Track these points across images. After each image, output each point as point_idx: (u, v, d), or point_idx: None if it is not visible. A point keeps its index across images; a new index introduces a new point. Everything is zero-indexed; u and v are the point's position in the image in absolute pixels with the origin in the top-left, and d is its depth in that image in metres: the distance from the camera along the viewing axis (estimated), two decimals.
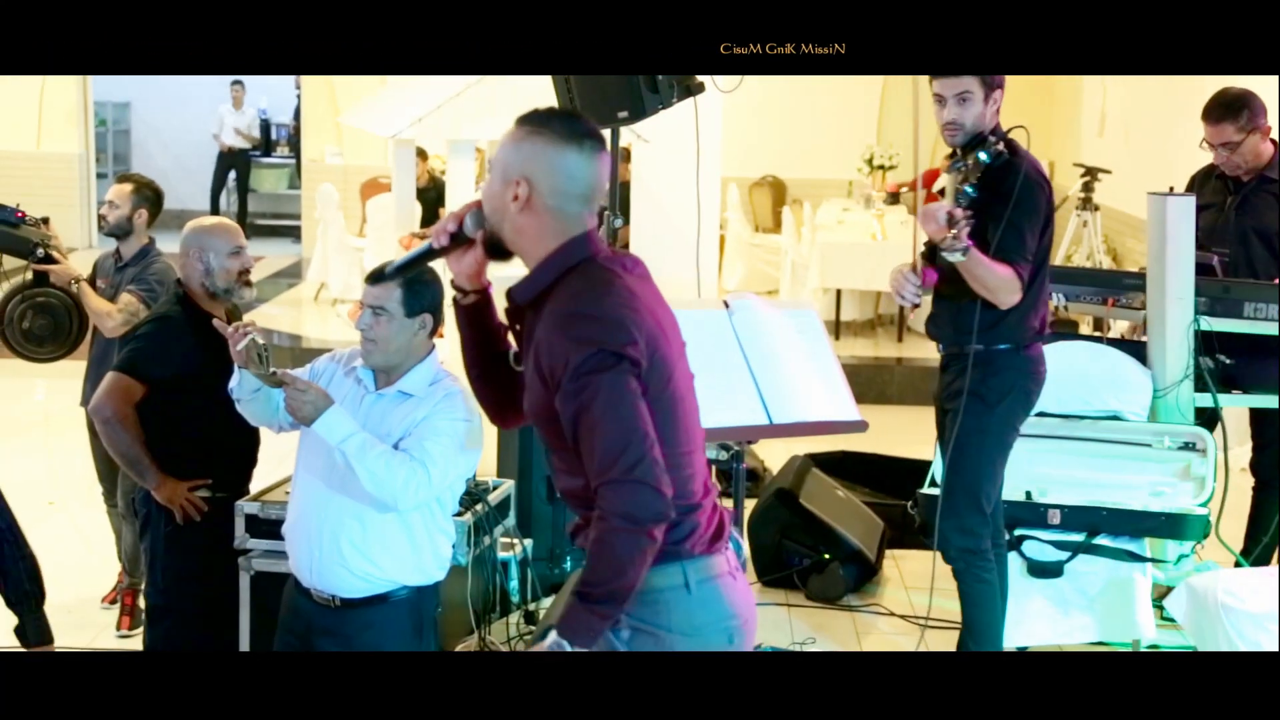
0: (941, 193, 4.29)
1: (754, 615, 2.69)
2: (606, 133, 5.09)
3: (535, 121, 2.57)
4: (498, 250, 2.60)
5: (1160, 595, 4.82)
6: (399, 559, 3.52)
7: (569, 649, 2.43)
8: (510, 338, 2.72)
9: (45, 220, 5.27)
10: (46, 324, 5.17)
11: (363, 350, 3.55)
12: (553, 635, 2.44)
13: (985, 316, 4.16)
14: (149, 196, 5.16)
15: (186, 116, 16.78)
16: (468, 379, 2.82)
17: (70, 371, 5.42)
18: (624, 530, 2.42)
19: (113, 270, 5.15)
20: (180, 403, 4.10)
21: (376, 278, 3.42)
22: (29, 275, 5.16)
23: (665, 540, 2.50)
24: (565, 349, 2.44)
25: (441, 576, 3.66)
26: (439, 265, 2.94)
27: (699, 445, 2.63)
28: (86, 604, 5.36)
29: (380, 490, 3.38)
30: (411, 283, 3.48)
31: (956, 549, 4.33)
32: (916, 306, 4.35)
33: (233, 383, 3.67)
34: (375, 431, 3.43)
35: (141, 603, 5.06)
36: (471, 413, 3.50)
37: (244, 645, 4.18)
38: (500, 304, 2.72)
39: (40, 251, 5.08)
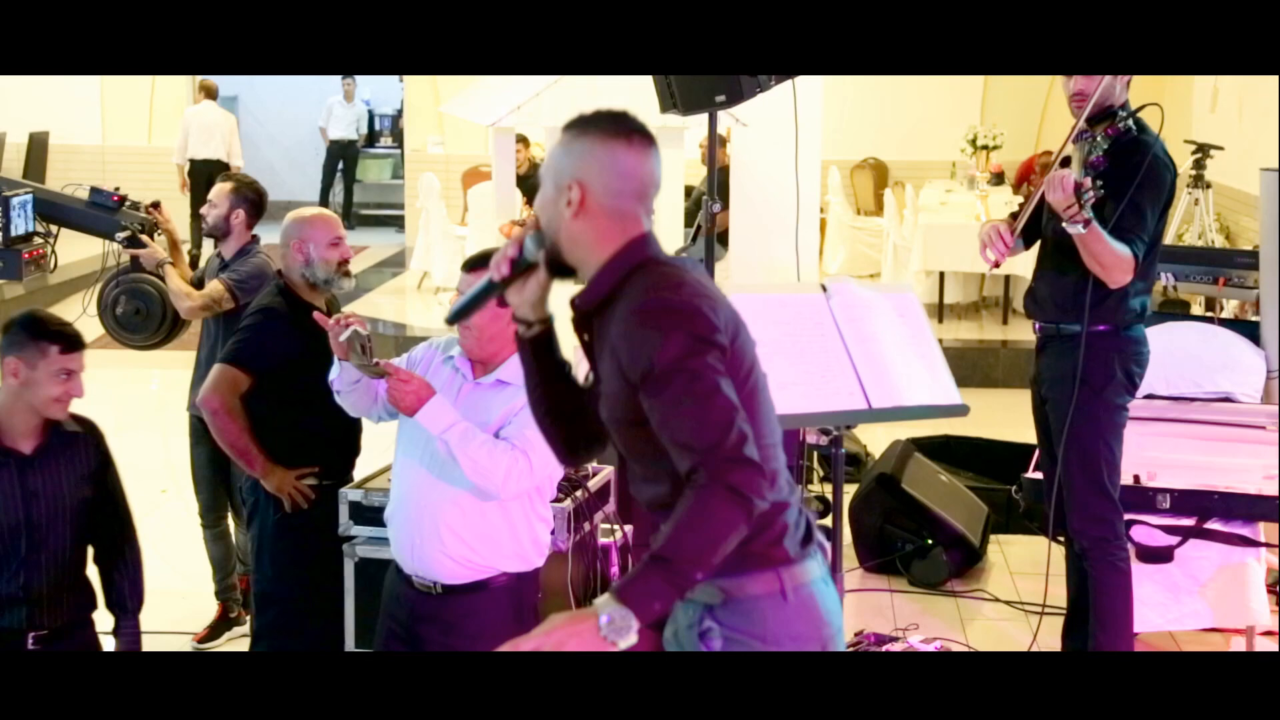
0: (1066, 163, 4.19)
1: (841, 620, 2.61)
2: (704, 117, 5.13)
3: (580, 123, 2.51)
4: (561, 267, 2.53)
5: (1275, 580, 4.72)
6: (498, 545, 3.54)
7: (618, 623, 2.25)
8: (576, 355, 2.64)
9: (156, 205, 5.28)
10: (138, 309, 5.14)
11: (461, 340, 3.57)
12: (609, 606, 2.26)
13: (1090, 295, 4.07)
14: (248, 196, 5.09)
15: (293, 110, 17.05)
16: (534, 418, 2.72)
17: (184, 361, 5.48)
18: (729, 501, 2.31)
19: (216, 271, 5.11)
20: (285, 392, 4.15)
21: (472, 265, 3.44)
22: (125, 259, 5.13)
23: (758, 543, 2.44)
24: (650, 340, 2.37)
25: (540, 563, 3.67)
26: None
27: (779, 440, 2.55)
28: (200, 593, 5.44)
29: (483, 479, 3.40)
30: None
31: (1090, 538, 4.25)
32: (996, 266, 4.27)
33: (333, 374, 3.69)
34: (475, 420, 3.44)
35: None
36: None
37: (349, 631, 4.22)
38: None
39: (123, 234, 5.05)
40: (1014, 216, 4.32)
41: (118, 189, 5.22)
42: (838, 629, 2.57)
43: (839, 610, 2.61)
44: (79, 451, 3.68)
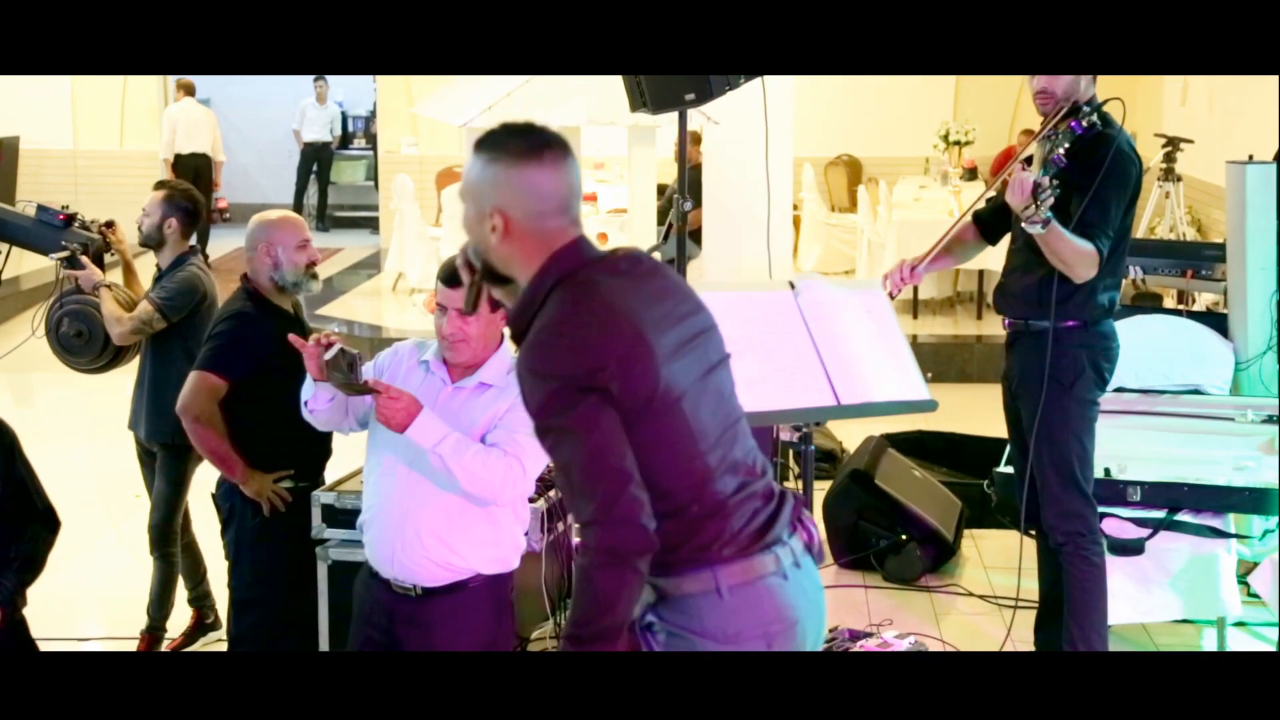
0: (1029, 161, 4.21)
1: (810, 613, 2.57)
2: (674, 115, 5.14)
3: (490, 145, 2.49)
4: (494, 277, 2.55)
5: (1246, 571, 4.75)
6: (480, 548, 3.52)
7: None
8: None
9: (110, 224, 5.17)
10: (79, 332, 5.00)
11: (450, 350, 3.52)
12: None
13: (1057, 291, 4.10)
14: (181, 205, 4.94)
15: (267, 112, 17.01)
16: None
17: None
18: (607, 566, 2.37)
19: (154, 282, 4.98)
20: (259, 396, 4.14)
21: (449, 279, 3.41)
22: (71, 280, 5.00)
23: (685, 549, 2.46)
24: (530, 386, 2.41)
25: (517, 564, 3.67)
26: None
27: (719, 443, 2.51)
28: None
29: (480, 488, 3.38)
30: None
31: (1064, 533, 4.27)
32: (891, 296, 4.35)
33: (306, 392, 3.64)
34: (459, 425, 3.41)
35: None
36: None
37: (323, 634, 4.22)
38: None
39: (61, 254, 4.93)
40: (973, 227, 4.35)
41: (65, 207, 5.12)
42: (790, 623, 2.52)
43: (808, 602, 2.56)
44: None
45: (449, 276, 3.43)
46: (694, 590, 2.48)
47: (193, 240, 5.02)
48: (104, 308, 4.90)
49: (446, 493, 3.43)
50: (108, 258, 5.23)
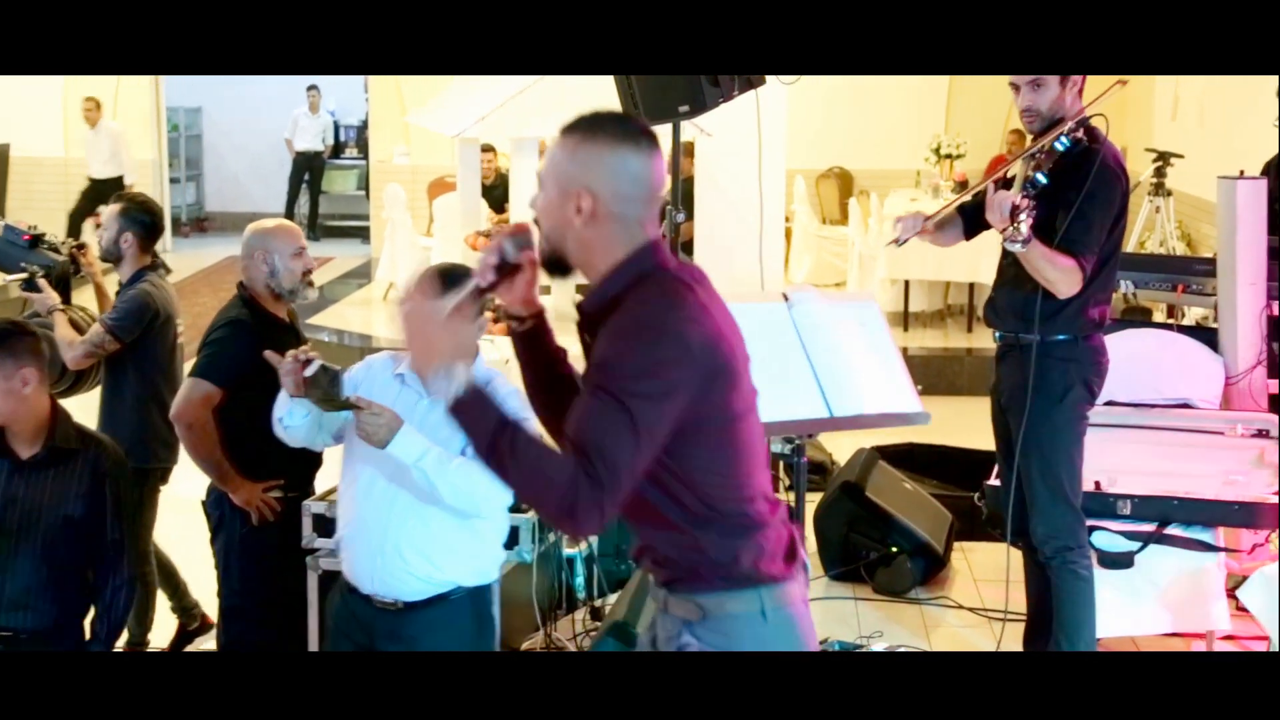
0: (1009, 183, 4.23)
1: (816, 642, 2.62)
2: (668, 127, 5.15)
3: (586, 127, 2.44)
4: (558, 267, 2.49)
5: (1234, 585, 4.75)
6: (461, 560, 3.52)
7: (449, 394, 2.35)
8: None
9: (81, 246, 5.06)
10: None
11: None
12: (457, 387, 2.35)
13: (1044, 306, 4.11)
14: (138, 218, 4.80)
15: (258, 120, 17.00)
16: (533, 409, 2.68)
17: None
18: (563, 511, 2.28)
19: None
20: (251, 404, 4.12)
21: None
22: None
23: (742, 562, 2.44)
24: (619, 352, 2.33)
25: (497, 576, 3.67)
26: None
27: (762, 464, 2.52)
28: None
29: (464, 502, 3.37)
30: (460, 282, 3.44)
31: (1053, 547, 4.28)
32: (896, 243, 4.42)
33: (280, 409, 3.58)
34: (436, 438, 3.38)
35: None
36: (529, 409, 3.50)
37: (312, 643, 4.22)
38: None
39: (19, 276, 4.80)
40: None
41: (33, 227, 5.05)
42: (812, 646, 2.57)
43: (814, 634, 2.60)
44: (73, 467, 3.73)
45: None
46: (738, 610, 2.46)
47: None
48: (59, 332, 4.78)
49: (427, 506, 3.41)
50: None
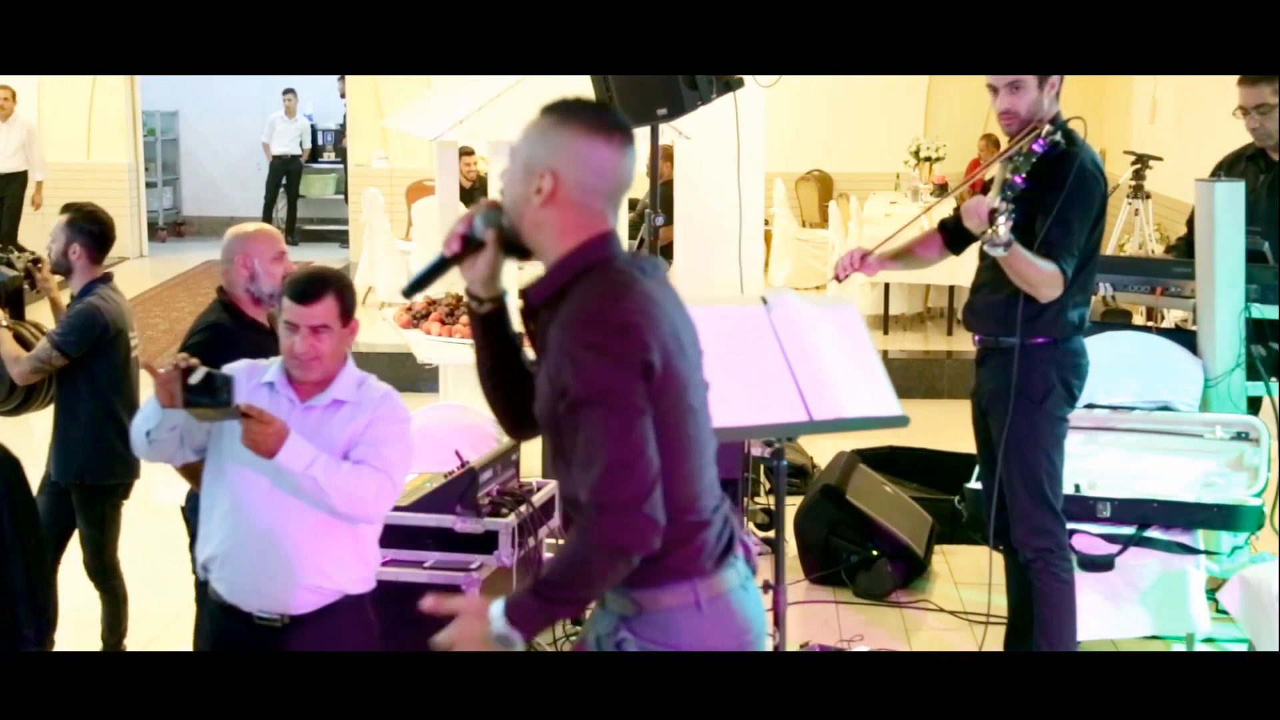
0: (986, 188, 4.23)
1: (762, 621, 2.61)
2: (647, 130, 5.13)
3: (562, 111, 2.46)
4: (515, 248, 2.51)
5: (1214, 588, 4.76)
6: (348, 568, 3.45)
7: (506, 637, 2.37)
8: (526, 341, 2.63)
9: (36, 261, 4.96)
10: None
11: (301, 369, 3.38)
12: (501, 621, 2.37)
13: (1024, 309, 4.11)
14: (86, 229, 4.70)
15: (235, 124, 16.94)
16: (482, 391, 2.68)
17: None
18: (611, 555, 2.35)
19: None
20: None
21: (301, 295, 3.32)
22: None
23: (673, 559, 2.44)
24: (574, 361, 2.34)
25: (374, 584, 3.56)
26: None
27: (711, 459, 2.53)
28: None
29: (354, 507, 3.31)
30: (342, 290, 3.38)
31: (1034, 550, 4.27)
32: (837, 279, 4.49)
33: (148, 422, 3.41)
34: (318, 444, 3.30)
35: None
36: (406, 409, 3.48)
37: None
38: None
39: None
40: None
41: None
42: (759, 633, 2.57)
43: (761, 613, 2.60)
44: None
45: (300, 293, 3.33)
46: (672, 604, 2.47)
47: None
48: (4, 348, 4.71)
49: (313, 514, 3.33)
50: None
